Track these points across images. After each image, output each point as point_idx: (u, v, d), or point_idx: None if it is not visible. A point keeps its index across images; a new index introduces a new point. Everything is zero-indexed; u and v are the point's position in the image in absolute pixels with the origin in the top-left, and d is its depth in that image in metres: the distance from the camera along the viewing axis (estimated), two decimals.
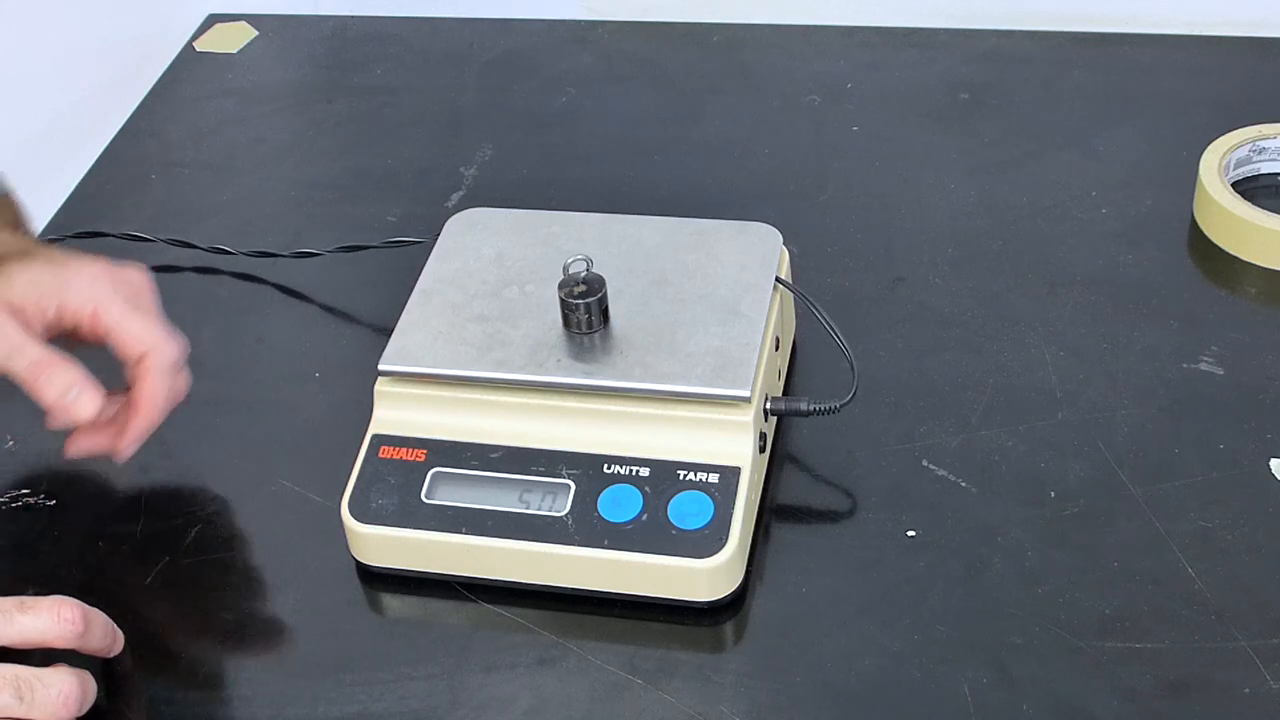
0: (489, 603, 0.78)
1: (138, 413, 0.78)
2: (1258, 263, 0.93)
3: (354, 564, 0.80)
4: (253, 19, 1.28)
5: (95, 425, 0.78)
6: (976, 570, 0.77)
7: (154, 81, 1.21)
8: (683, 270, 0.83)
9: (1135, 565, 0.76)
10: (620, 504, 0.76)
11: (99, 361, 0.78)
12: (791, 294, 0.86)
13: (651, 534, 0.75)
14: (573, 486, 0.77)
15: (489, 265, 0.84)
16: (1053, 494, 0.80)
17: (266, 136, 1.15)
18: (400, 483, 0.78)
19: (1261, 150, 0.98)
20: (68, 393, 0.75)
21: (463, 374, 0.79)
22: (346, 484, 0.79)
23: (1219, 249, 0.95)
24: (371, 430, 0.80)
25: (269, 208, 1.07)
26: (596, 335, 0.79)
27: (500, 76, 1.18)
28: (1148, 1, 1.16)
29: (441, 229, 0.88)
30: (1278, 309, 0.91)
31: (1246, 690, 0.70)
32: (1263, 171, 0.99)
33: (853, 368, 0.79)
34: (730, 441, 0.77)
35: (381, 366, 0.79)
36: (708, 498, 0.75)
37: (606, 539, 0.75)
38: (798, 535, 0.80)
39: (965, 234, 0.98)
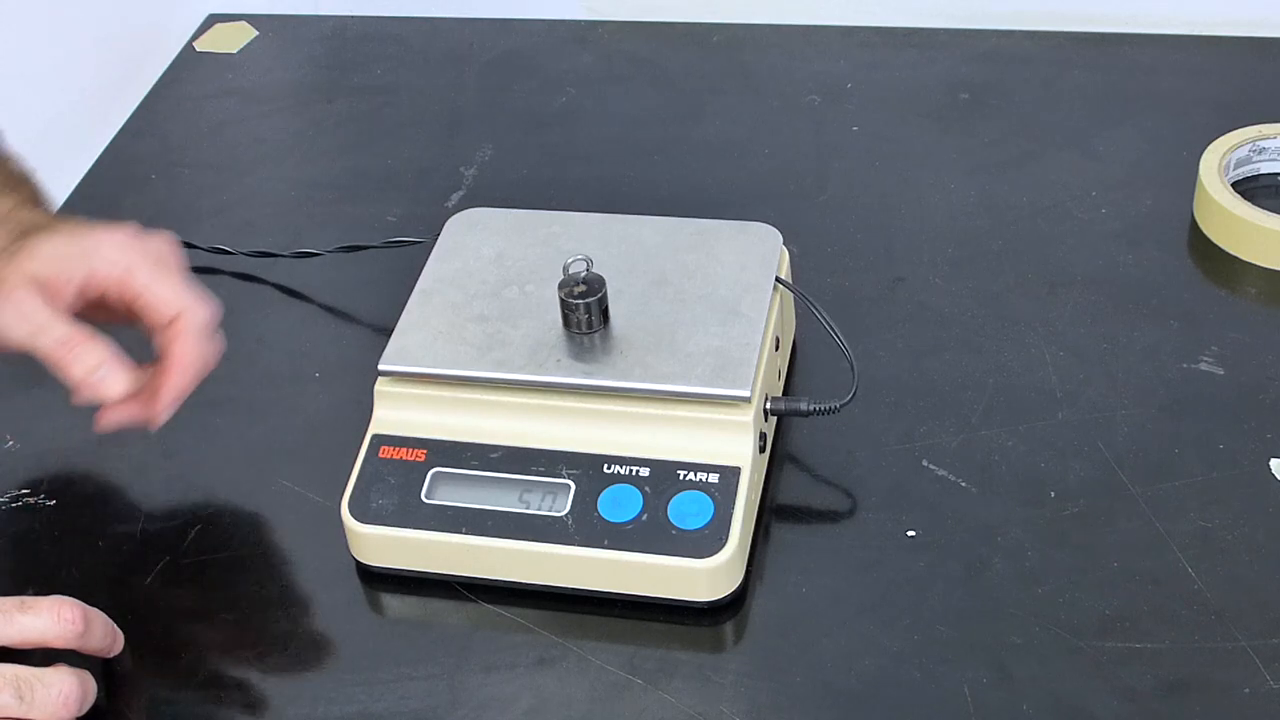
0: (489, 603, 0.78)
1: (170, 377, 0.76)
2: (1258, 263, 0.93)
3: (354, 564, 0.80)
4: (253, 19, 1.28)
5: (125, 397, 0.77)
6: (976, 570, 0.77)
7: (154, 81, 1.21)
8: (683, 270, 0.83)
9: (1135, 565, 0.76)
10: (620, 504, 0.76)
11: (123, 340, 0.77)
12: (791, 294, 0.86)
13: (651, 534, 0.75)
14: (573, 486, 0.77)
15: (489, 265, 0.84)
16: (1053, 494, 0.80)
17: (266, 136, 1.15)
18: (400, 483, 0.78)
19: (1261, 150, 0.98)
20: (96, 371, 0.74)
21: (463, 374, 0.79)
22: (346, 484, 0.79)
23: (1219, 249, 0.95)
24: (371, 430, 0.80)
25: (269, 208, 1.07)
26: (596, 335, 0.79)
27: (500, 76, 1.18)
28: (1148, 1, 1.16)
29: (441, 229, 0.88)
30: (1278, 309, 0.91)
31: (1246, 690, 0.70)
32: (1263, 171, 0.99)
33: (853, 368, 0.79)
34: (730, 441, 0.77)
35: (381, 366, 0.79)
36: (708, 498, 0.75)
37: (606, 539, 0.75)
38: (798, 535, 0.80)
39: (965, 234, 0.98)
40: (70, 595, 0.71)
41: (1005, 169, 1.03)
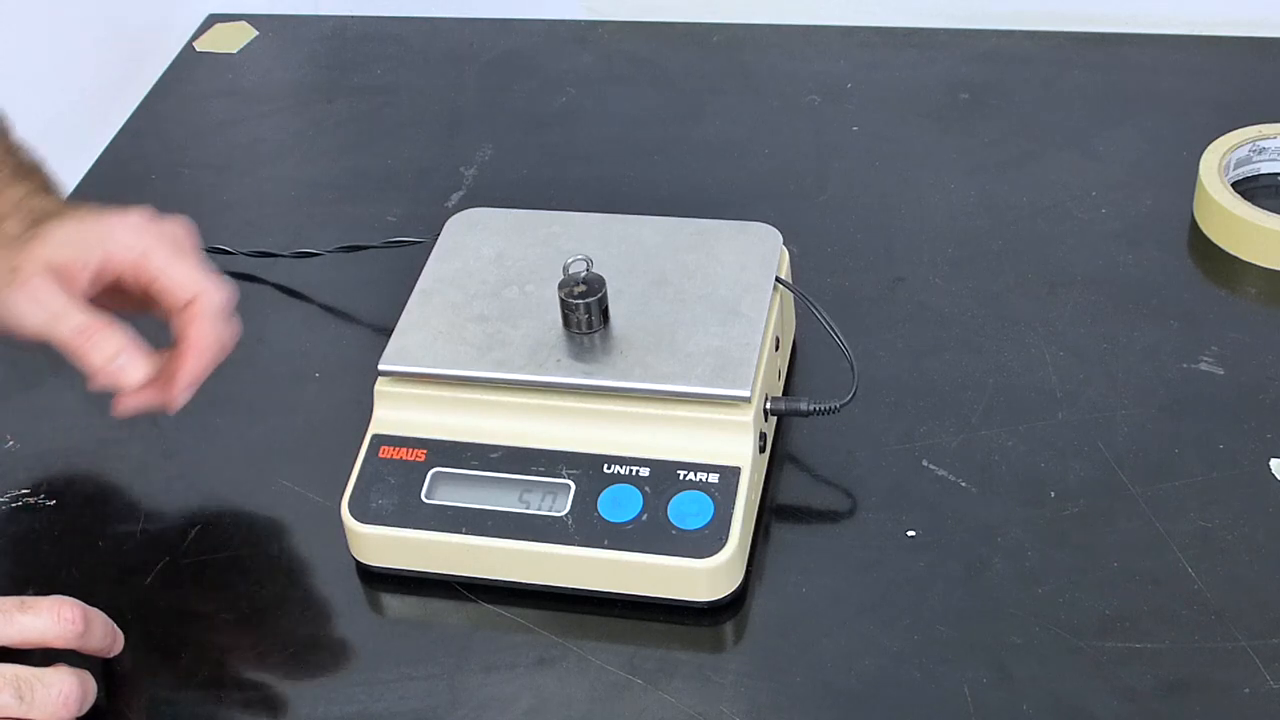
0: (489, 603, 0.78)
1: (187, 360, 0.76)
2: (1258, 263, 0.93)
3: (354, 564, 0.80)
4: (253, 19, 1.28)
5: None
6: (976, 570, 0.77)
7: (154, 81, 1.21)
8: (683, 270, 0.83)
9: (1135, 565, 0.76)
10: (620, 504, 0.76)
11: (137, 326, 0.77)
12: (791, 294, 0.86)
13: (651, 534, 0.75)
14: (573, 486, 0.77)
15: (489, 265, 0.84)
16: (1053, 494, 0.80)
17: (266, 136, 1.15)
18: (400, 483, 0.78)
19: (1261, 150, 0.98)
20: (115, 358, 0.73)
21: (463, 374, 0.79)
22: (346, 484, 0.79)
23: (1219, 249, 0.95)
24: (371, 430, 0.80)
25: (269, 208, 1.07)
26: (596, 335, 0.79)
27: (500, 76, 1.18)
28: (1148, 1, 1.16)
29: (441, 229, 0.88)
30: (1278, 309, 0.91)
31: (1246, 690, 0.70)
32: (1263, 171, 0.99)
33: (853, 368, 0.79)
34: (730, 441, 0.77)
35: (381, 366, 0.79)
36: (708, 498, 0.75)
37: (606, 539, 0.75)
38: (798, 535, 0.80)
39: (965, 234, 0.98)
40: (70, 595, 0.71)
41: (1005, 169, 1.03)
